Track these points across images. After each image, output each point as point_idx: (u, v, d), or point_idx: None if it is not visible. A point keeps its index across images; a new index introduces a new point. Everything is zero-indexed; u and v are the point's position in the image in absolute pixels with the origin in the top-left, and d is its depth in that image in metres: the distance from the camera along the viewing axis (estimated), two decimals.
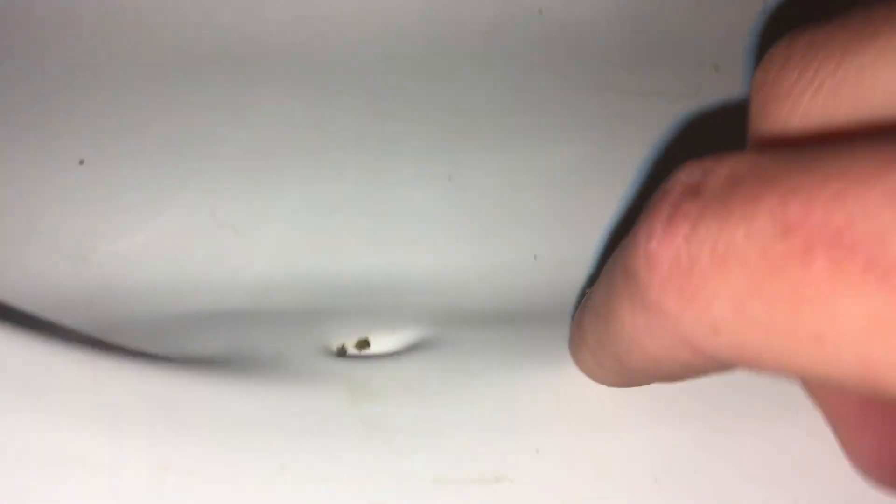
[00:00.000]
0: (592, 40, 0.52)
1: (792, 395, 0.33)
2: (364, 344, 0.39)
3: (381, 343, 0.39)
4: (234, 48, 0.46)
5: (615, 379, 0.30)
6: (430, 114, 0.48)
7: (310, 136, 0.45)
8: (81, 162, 0.43)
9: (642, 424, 0.35)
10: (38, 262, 0.39)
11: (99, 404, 0.27)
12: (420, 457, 0.32)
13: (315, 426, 0.32)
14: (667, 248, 0.18)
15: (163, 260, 0.41)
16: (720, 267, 0.16)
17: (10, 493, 0.25)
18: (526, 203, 0.48)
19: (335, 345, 0.38)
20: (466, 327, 0.40)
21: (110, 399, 0.28)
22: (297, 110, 0.46)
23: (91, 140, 0.44)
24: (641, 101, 0.54)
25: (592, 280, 0.36)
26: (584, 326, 0.29)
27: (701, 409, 0.36)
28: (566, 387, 0.36)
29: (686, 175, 0.20)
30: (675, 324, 0.18)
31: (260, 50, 0.47)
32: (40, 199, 0.42)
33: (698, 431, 0.35)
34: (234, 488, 0.28)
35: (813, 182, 0.15)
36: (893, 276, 0.14)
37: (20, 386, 0.27)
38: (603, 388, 0.36)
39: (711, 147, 0.23)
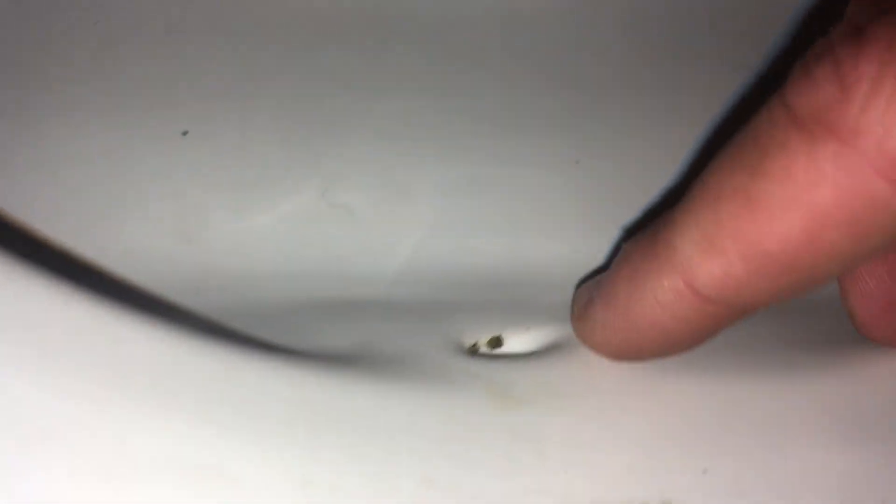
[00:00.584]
0: (733, 13, 0.47)
1: None
2: (497, 342, 0.35)
3: (515, 342, 0.35)
4: (355, 12, 0.43)
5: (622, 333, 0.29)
6: (555, 92, 0.44)
7: (431, 113, 0.42)
8: (185, 133, 0.40)
9: (822, 445, 0.31)
10: (141, 242, 0.36)
11: (236, 405, 0.24)
12: (576, 474, 0.28)
13: (459, 434, 0.29)
14: (868, 63, 0.17)
15: (274, 243, 0.38)
16: None
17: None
18: (656, 188, 0.43)
19: (467, 342, 0.34)
20: None
21: (249, 400, 0.24)
22: (419, 86, 0.43)
23: (195, 109, 0.41)
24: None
25: None
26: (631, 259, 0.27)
27: (881, 430, 0.32)
28: (732, 395, 0.32)
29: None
30: (879, 145, 0.17)
31: (383, 16, 0.43)
32: (141, 174, 0.39)
33: (885, 456, 0.31)
34: None
35: None
36: None
37: (149, 380, 0.24)
38: (775, 399, 0.32)
39: None
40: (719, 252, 0.22)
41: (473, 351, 0.34)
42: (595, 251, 0.40)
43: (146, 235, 0.36)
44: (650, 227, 0.28)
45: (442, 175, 0.41)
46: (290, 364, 0.27)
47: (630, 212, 0.43)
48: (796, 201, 0.19)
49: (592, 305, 0.31)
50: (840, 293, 0.33)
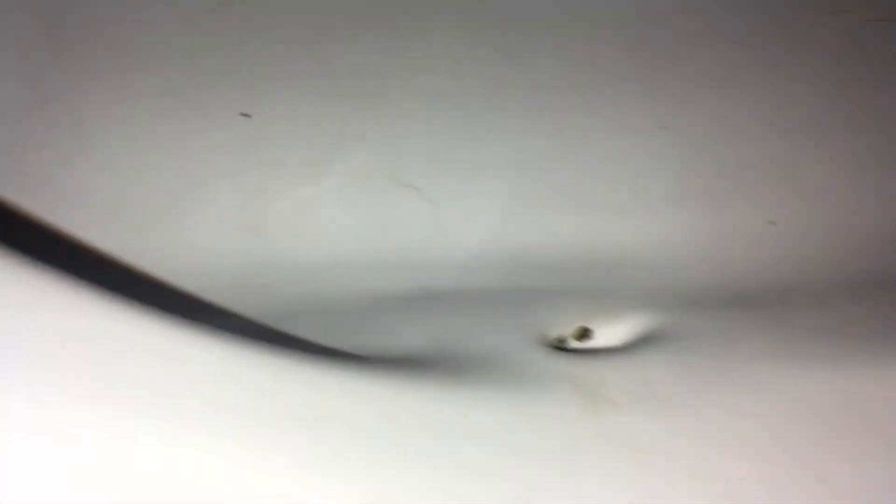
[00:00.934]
0: None
1: None
2: (585, 334, 0.32)
3: (605, 333, 0.32)
4: None
5: None
6: (637, 49, 0.40)
7: (494, 81, 0.38)
8: (246, 115, 0.38)
9: None
10: (205, 235, 0.35)
11: (302, 424, 0.22)
12: (683, 487, 0.26)
13: (552, 444, 0.26)
14: None
15: (342, 230, 0.35)
16: None
17: None
18: (756, 156, 0.39)
19: (552, 334, 0.32)
20: (702, 312, 0.33)
21: (315, 417, 0.22)
22: (476, 54, 0.39)
23: (254, 91, 0.38)
24: (882, 29, 0.44)
25: None
26: None
27: None
28: (849, 389, 0.28)
29: None
30: None
31: None
32: (202, 160, 0.37)
33: None
34: None
35: None
36: None
37: (209, 398, 0.22)
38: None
39: None
40: None
41: (559, 345, 0.31)
42: (688, 226, 0.36)
43: (210, 228, 0.35)
44: None
45: (513, 148, 0.38)
46: (366, 372, 0.25)
47: (726, 182, 0.39)
48: None
49: None
50: None
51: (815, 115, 0.40)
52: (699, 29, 0.41)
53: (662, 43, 0.41)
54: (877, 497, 0.26)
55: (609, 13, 0.41)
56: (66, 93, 0.37)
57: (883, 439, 0.28)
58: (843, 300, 0.34)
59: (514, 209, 0.36)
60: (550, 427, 0.26)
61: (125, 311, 0.23)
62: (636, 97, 0.39)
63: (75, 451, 0.20)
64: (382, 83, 0.39)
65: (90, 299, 0.23)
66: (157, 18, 0.39)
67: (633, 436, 0.27)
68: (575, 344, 0.32)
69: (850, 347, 0.31)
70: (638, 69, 0.40)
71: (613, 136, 0.38)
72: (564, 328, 0.32)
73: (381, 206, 0.36)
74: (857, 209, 0.37)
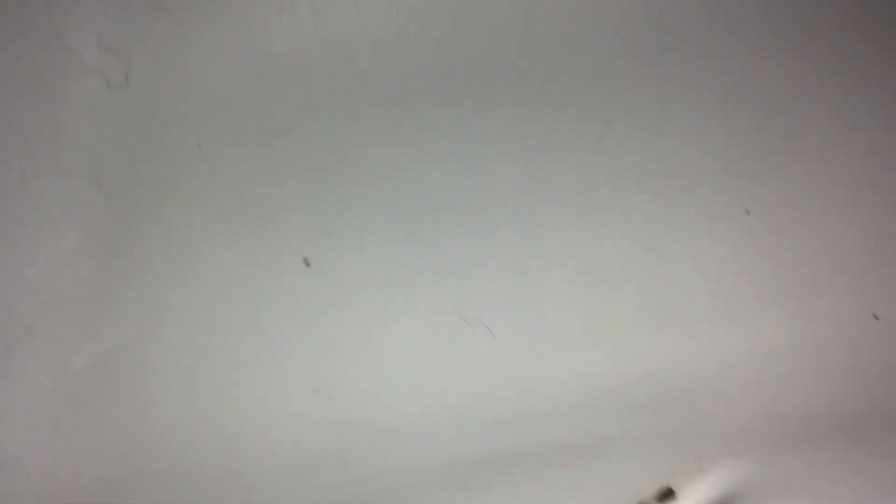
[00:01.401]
0: None
1: None
2: (668, 495, 0.31)
3: (690, 494, 0.31)
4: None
5: None
6: (715, 131, 0.36)
7: (574, 179, 0.35)
8: (307, 262, 0.37)
9: None
10: (282, 403, 0.35)
11: None
12: None
13: None
14: None
15: (418, 383, 0.35)
16: None
17: None
18: (850, 243, 0.35)
19: (632, 500, 0.31)
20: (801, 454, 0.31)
21: None
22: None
23: (312, 235, 0.37)
24: None
25: None
26: None
27: None
28: None
29: None
30: None
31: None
32: (269, 320, 0.37)
33: None
34: None
35: None
36: None
37: None
38: None
39: None
40: None
41: None
42: (786, 339, 0.33)
43: (284, 395, 0.35)
44: None
45: (577, 266, 0.35)
46: None
47: (819, 271, 0.36)
48: None
49: None
50: None
51: None
52: (786, 104, 0.37)
53: (744, 126, 0.37)
54: None
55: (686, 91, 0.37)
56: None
57: None
58: None
59: (583, 338, 0.34)
60: None
61: None
62: (716, 183, 0.36)
63: None
64: (439, 198, 0.38)
65: None
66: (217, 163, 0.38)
67: None
68: None
69: None
70: (718, 153, 0.36)
71: (692, 223, 0.36)
72: (646, 489, 0.31)
73: (452, 346, 0.35)
74: None
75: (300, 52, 0.38)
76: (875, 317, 0.35)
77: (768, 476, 0.30)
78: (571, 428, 0.33)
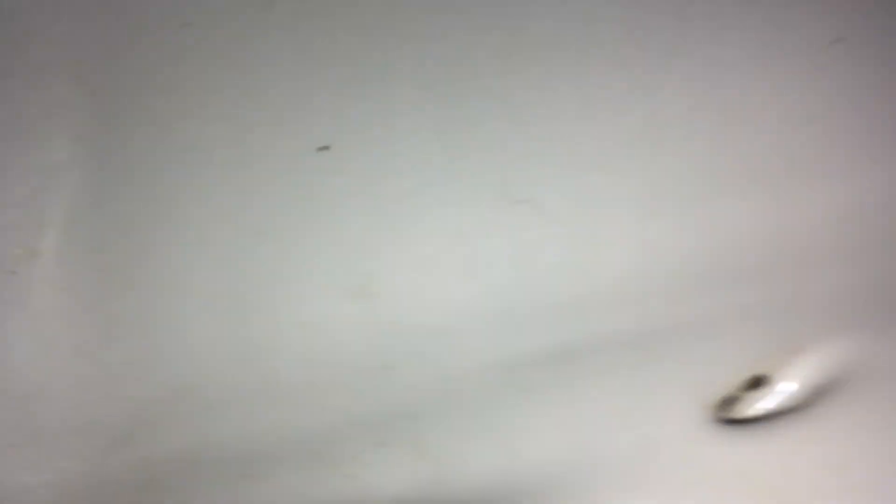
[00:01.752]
0: None
1: None
2: (757, 383, 0.27)
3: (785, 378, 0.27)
4: None
5: None
6: None
7: (626, 21, 0.30)
8: (325, 147, 0.33)
9: None
10: (314, 303, 0.32)
11: None
12: None
13: None
14: None
15: (461, 280, 0.31)
16: None
17: None
18: None
19: (716, 395, 0.27)
20: None
21: None
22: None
23: (328, 116, 0.33)
24: None
25: None
26: None
27: None
28: None
29: None
30: None
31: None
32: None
33: None
34: None
35: None
36: None
37: None
38: None
39: None
40: None
41: (726, 412, 0.26)
42: (887, 193, 0.28)
43: (320, 297, 0.32)
44: None
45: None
46: None
47: None
48: None
49: None
50: None
51: None
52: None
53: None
54: None
55: None
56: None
57: None
58: None
59: (647, 211, 0.30)
60: None
61: None
62: None
63: None
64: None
65: None
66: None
67: None
68: (745, 405, 0.27)
69: None
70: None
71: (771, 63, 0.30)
72: (730, 379, 0.27)
73: (493, 228, 0.31)
74: None
75: None
76: None
77: (879, 352, 0.26)
78: (640, 315, 0.29)
